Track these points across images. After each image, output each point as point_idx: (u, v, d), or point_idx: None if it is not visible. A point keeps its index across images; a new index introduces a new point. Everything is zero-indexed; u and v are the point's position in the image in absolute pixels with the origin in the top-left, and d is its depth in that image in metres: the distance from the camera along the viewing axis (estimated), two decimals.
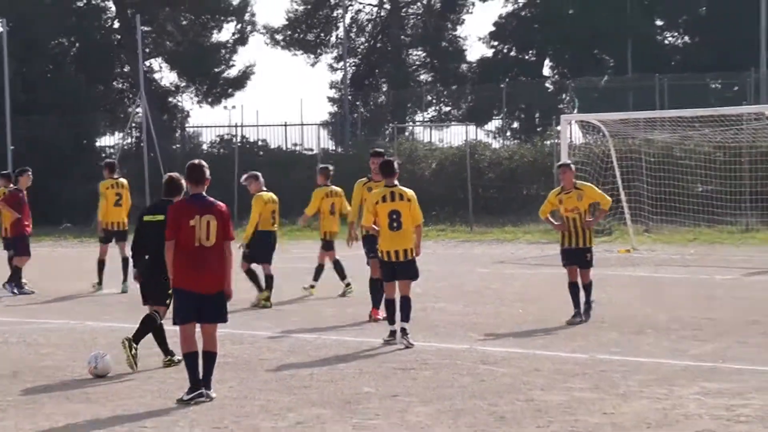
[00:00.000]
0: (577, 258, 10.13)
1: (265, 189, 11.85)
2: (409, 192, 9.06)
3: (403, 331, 8.76)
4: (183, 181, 7.78)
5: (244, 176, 12.06)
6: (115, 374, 7.64)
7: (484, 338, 9.14)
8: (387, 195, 8.99)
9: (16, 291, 13.38)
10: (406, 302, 8.87)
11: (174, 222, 6.82)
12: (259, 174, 11.94)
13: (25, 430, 6.14)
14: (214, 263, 6.81)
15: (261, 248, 11.62)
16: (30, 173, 13.84)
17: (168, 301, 7.85)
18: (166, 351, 8.08)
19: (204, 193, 6.92)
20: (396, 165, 9.15)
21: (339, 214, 12.58)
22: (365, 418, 6.23)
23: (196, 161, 7.00)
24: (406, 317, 8.83)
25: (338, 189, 12.62)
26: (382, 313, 9.70)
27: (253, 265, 11.70)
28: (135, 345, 7.89)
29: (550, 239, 20.39)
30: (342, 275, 12.50)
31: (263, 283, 11.66)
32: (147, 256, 7.97)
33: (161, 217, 7.65)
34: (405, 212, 8.90)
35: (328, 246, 12.61)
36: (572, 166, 10.50)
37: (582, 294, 10.09)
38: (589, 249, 10.17)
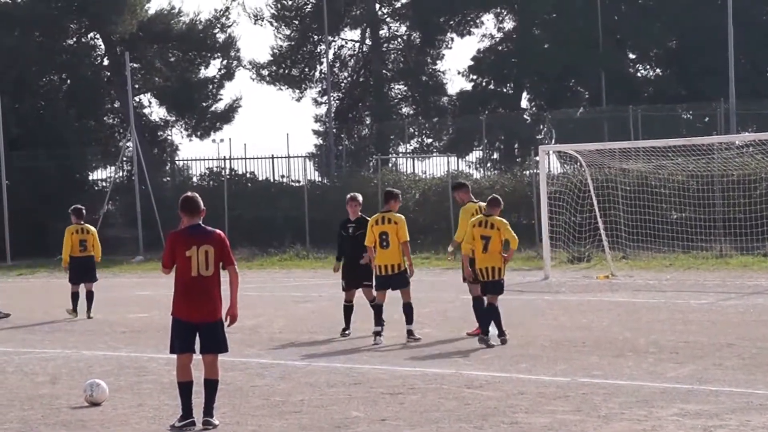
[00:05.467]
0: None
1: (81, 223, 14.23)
2: (397, 216, 10.89)
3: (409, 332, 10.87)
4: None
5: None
6: (111, 402, 7.74)
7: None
8: (379, 219, 10.91)
9: None
10: (407, 307, 10.88)
11: (170, 252, 6.85)
12: (81, 207, 14.54)
13: None
14: (213, 292, 6.85)
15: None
16: None
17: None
18: (347, 322, 11.24)
19: (201, 223, 6.91)
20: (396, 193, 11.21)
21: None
22: None
23: (189, 193, 6.94)
24: (409, 320, 10.87)
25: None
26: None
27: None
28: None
29: (531, 266, 20.65)
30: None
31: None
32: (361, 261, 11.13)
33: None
34: (392, 233, 10.82)
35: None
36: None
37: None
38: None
